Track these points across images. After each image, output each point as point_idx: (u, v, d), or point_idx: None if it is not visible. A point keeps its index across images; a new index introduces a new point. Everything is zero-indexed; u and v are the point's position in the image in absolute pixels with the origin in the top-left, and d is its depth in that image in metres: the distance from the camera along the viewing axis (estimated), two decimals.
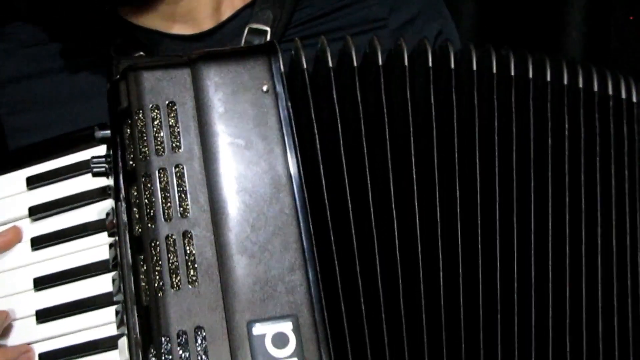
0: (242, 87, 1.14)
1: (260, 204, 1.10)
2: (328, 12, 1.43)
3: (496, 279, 1.14)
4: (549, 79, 1.20)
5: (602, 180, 1.20)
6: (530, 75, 1.19)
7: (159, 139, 1.12)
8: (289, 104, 1.12)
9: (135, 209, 1.11)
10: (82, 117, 1.40)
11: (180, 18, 1.42)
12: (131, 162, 1.12)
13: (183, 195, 1.10)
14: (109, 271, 1.26)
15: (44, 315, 1.28)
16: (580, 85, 1.21)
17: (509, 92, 1.17)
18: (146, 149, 1.12)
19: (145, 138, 1.12)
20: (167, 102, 1.13)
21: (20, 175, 1.33)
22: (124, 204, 1.14)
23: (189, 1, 1.40)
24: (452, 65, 1.17)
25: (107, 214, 1.23)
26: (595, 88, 1.21)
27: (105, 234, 1.28)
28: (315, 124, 1.12)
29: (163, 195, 1.10)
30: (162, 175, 1.11)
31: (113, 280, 1.20)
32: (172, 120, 1.12)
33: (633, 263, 1.21)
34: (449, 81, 1.17)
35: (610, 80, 1.23)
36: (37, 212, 1.31)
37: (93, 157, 1.22)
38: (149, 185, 1.10)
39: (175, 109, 1.13)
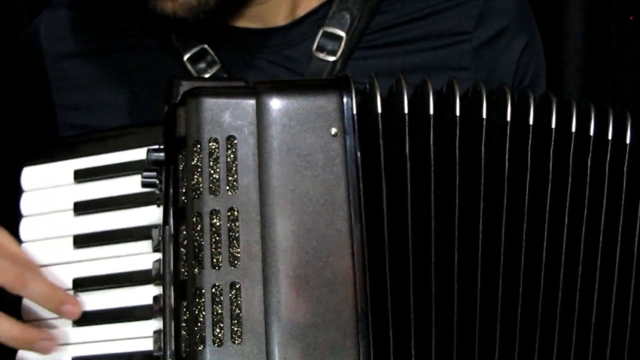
0: (309, 126, 1.05)
1: (316, 261, 1.03)
2: (409, 20, 1.32)
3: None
4: (610, 136, 1.10)
5: None
6: (610, 137, 1.10)
7: (214, 176, 1.04)
8: (358, 154, 1.03)
9: (182, 250, 1.04)
10: (135, 105, 1.32)
11: (256, 17, 1.32)
12: (183, 198, 1.05)
13: (235, 242, 1.04)
14: (150, 282, 1.20)
15: (81, 320, 1.22)
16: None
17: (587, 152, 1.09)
18: (200, 185, 1.04)
19: (199, 173, 1.04)
20: (227, 136, 1.04)
21: (68, 166, 1.26)
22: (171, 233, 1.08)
23: (268, 3, 1.30)
24: (531, 122, 1.07)
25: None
26: None
27: (148, 242, 1.22)
28: (384, 179, 1.04)
29: (213, 239, 1.03)
30: (214, 217, 1.04)
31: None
32: (231, 157, 1.05)
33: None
34: (525, 136, 1.08)
35: None
36: (82, 208, 1.25)
37: (144, 172, 1.15)
38: (199, 227, 1.03)
39: (235, 144, 1.05)
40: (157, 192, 1.20)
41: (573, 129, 1.09)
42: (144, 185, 1.16)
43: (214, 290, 1.02)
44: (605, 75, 1.92)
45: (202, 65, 1.29)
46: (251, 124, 1.05)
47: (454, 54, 1.32)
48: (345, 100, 1.06)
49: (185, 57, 1.29)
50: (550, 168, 1.08)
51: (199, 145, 1.04)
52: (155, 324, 1.20)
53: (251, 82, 1.09)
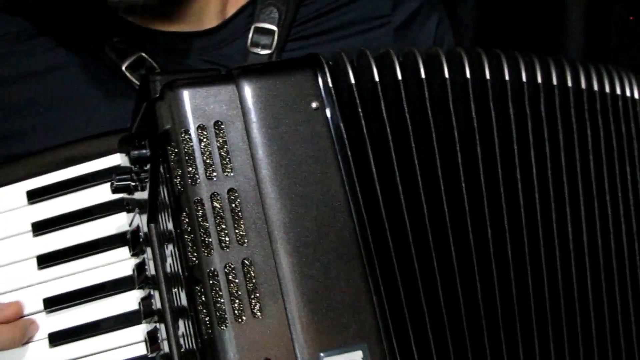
0: (290, 104, 1.09)
1: (319, 227, 1.07)
2: (332, 9, 1.39)
3: (526, 279, 1.15)
4: (540, 80, 1.19)
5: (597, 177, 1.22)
6: (524, 79, 1.19)
7: (207, 161, 1.07)
8: (341, 122, 1.08)
9: (187, 237, 1.05)
10: (76, 122, 1.32)
11: (186, 18, 1.34)
12: (180, 187, 1.06)
13: (239, 221, 1.06)
14: (125, 290, 1.21)
15: (58, 338, 1.21)
16: (577, 85, 1.21)
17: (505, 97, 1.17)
18: (196, 172, 1.06)
19: (192, 161, 1.06)
20: (214, 122, 1.07)
21: (20, 188, 1.25)
22: (168, 229, 1.09)
23: (198, 3, 1.34)
24: (469, 75, 1.16)
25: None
26: (584, 86, 1.22)
27: (117, 250, 1.22)
28: (368, 143, 1.09)
29: (217, 221, 1.05)
30: (215, 200, 1.06)
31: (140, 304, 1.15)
32: (221, 141, 1.07)
33: (631, 261, 1.23)
34: (485, 91, 1.16)
35: (607, 77, 1.25)
36: (41, 228, 1.24)
37: (116, 174, 1.15)
38: (201, 211, 1.05)
39: (223, 129, 1.07)
40: (126, 196, 1.20)
41: (524, 79, 1.18)
42: (115, 190, 1.17)
43: (226, 269, 1.04)
44: None
45: (142, 71, 1.31)
46: (234, 107, 1.08)
47: (377, 37, 1.39)
48: (319, 75, 1.10)
49: (124, 66, 1.30)
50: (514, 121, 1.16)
51: (188, 135, 1.06)
52: (140, 328, 1.20)
53: (223, 70, 1.11)
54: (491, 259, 1.12)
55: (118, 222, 1.24)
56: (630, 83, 1.24)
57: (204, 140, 1.07)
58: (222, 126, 1.07)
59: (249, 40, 1.34)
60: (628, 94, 1.24)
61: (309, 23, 1.38)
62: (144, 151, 1.10)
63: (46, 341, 1.22)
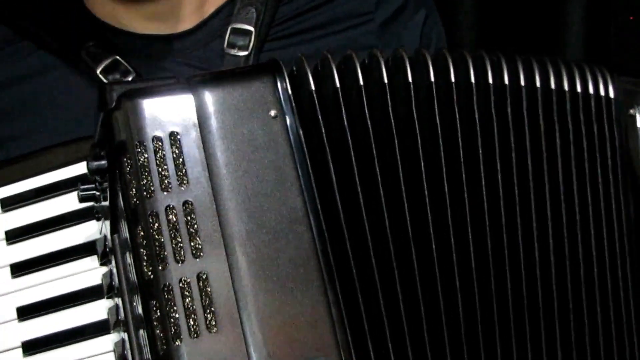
0: (248, 112, 1.07)
1: (277, 239, 1.05)
2: (313, 7, 1.36)
3: (506, 274, 1.13)
4: (522, 82, 1.15)
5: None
6: (490, 81, 1.14)
7: (163, 173, 1.05)
8: (300, 131, 1.06)
9: (142, 250, 1.04)
10: (49, 128, 1.31)
11: (163, 16, 1.32)
12: (135, 200, 1.05)
13: (194, 234, 1.04)
14: (98, 298, 1.20)
15: (32, 347, 1.21)
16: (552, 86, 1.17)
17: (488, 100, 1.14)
18: (151, 184, 1.04)
19: (148, 173, 1.05)
20: (169, 132, 1.05)
21: None
22: (123, 240, 1.07)
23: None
24: (433, 79, 1.12)
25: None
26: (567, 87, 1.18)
27: (90, 258, 1.21)
28: (328, 151, 1.06)
29: (173, 234, 1.04)
30: (170, 213, 1.04)
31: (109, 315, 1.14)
32: (176, 152, 1.05)
33: (600, 263, 1.19)
34: (450, 94, 1.13)
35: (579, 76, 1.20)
36: (15, 236, 1.23)
37: (81, 184, 1.14)
38: (156, 225, 1.04)
39: (179, 140, 1.05)
40: (95, 204, 1.19)
41: (490, 81, 1.14)
42: (82, 199, 1.16)
43: (181, 284, 1.02)
44: None
45: (117, 75, 1.30)
46: (191, 117, 1.06)
47: (359, 35, 1.36)
48: (278, 82, 1.08)
49: (98, 70, 1.29)
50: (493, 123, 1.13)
51: (143, 146, 1.05)
52: (110, 338, 1.19)
53: (182, 78, 1.09)
54: (454, 269, 1.09)
55: (91, 230, 1.23)
56: (605, 82, 1.19)
57: (160, 151, 1.05)
58: (178, 137, 1.06)
59: (226, 41, 1.32)
60: (602, 93, 1.19)
61: (289, 22, 1.35)
62: (103, 162, 1.09)
63: (19, 350, 1.21)
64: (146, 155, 1.05)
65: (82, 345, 1.21)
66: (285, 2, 1.35)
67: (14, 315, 1.22)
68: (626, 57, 1.81)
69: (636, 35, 1.81)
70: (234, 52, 1.32)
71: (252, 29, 1.32)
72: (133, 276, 1.08)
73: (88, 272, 1.22)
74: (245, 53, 1.32)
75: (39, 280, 1.23)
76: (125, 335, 1.13)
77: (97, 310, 1.21)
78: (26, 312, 1.22)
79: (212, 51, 1.33)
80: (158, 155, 1.05)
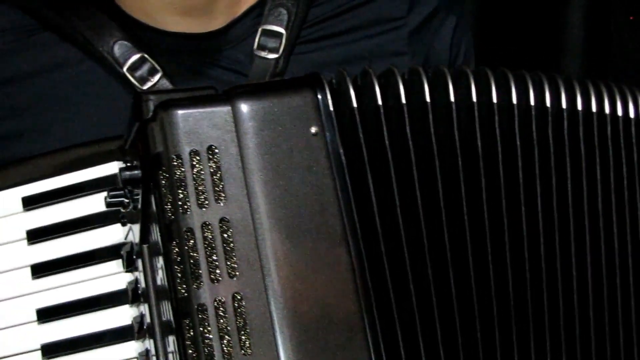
0: (288, 128, 1.04)
1: (314, 261, 1.02)
2: (344, 11, 1.32)
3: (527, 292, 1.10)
4: (548, 104, 1.13)
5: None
6: (532, 102, 1.12)
7: (200, 188, 1.02)
8: (341, 150, 1.03)
9: (176, 267, 1.01)
10: (76, 123, 1.28)
11: (196, 11, 1.28)
12: (170, 215, 1.02)
13: (230, 252, 1.02)
14: (121, 304, 1.18)
15: (51, 351, 1.19)
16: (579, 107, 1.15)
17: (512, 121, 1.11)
18: (187, 200, 1.02)
19: (184, 188, 1.02)
20: (207, 147, 1.02)
21: (16, 194, 1.21)
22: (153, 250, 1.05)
23: None
24: (475, 99, 1.10)
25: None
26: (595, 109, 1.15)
27: (113, 262, 1.18)
28: (369, 172, 1.04)
29: (208, 253, 1.01)
30: (206, 230, 1.01)
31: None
32: (214, 167, 1.03)
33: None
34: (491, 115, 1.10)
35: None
36: (36, 236, 1.20)
37: (109, 190, 1.11)
38: (191, 241, 1.01)
39: (217, 154, 1.03)
40: (122, 210, 1.16)
41: (532, 103, 1.11)
42: (109, 205, 1.13)
43: (216, 304, 1.00)
44: (605, 75, 1.93)
45: (143, 73, 1.27)
46: (229, 131, 1.03)
47: (390, 41, 1.33)
48: (320, 97, 1.05)
49: (125, 67, 1.26)
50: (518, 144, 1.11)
51: (179, 160, 1.02)
52: (131, 346, 1.17)
53: (220, 89, 1.07)
54: (492, 297, 1.07)
55: (114, 233, 1.20)
56: None
57: (197, 165, 1.03)
58: (216, 151, 1.03)
59: (256, 43, 1.29)
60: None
61: (321, 24, 1.32)
62: (136, 172, 1.06)
63: (39, 353, 1.19)
64: (183, 170, 1.02)
65: (102, 351, 1.18)
66: (317, 4, 1.32)
67: (34, 317, 1.19)
68: (626, 57, 1.81)
69: (636, 35, 1.81)
70: (263, 54, 1.29)
71: (283, 31, 1.29)
72: (162, 279, 1.05)
73: (110, 276, 1.19)
74: (275, 56, 1.29)
75: (59, 283, 1.20)
76: (149, 344, 1.11)
77: (119, 317, 1.18)
78: (46, 315, 1.19)
79: (242, 52, 1.30)
80: (195, 170, 1.02)
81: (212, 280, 1.01)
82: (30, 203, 1.21)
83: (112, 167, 1.20)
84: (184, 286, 1.01)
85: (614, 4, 1.85)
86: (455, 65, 1.38)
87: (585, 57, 1.87)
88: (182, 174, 1.02)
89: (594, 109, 1.13)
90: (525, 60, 1.77)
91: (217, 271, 1.01)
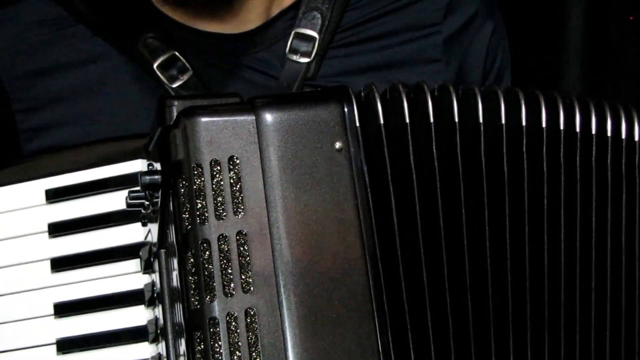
0: (313, 142, 1.02)
1: (331, 280, 1.00)
2: (379, 16, 1.29)
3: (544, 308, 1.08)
4: (577, 129, 1.09)
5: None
6: (562, 127, 1.08)
7: (218, 199, 1.00)
8: (365, 167, 1.01)
9: (190, 278, 1.00)
10: (104, 117, 1.27)
11: (229, 16, 1.26)
12: (187, 224, 1.00)
13: (246, 267, 1.00)
14: (138, 304, 1.17)
15: (67, 346, 1.18)
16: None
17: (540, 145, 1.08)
18: (205, 210, 1.00)
19: (202, 198, 1.00)
20: (228, 157, 1.00)
21: (39, 186, 1.20)
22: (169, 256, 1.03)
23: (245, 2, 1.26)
24: (504, 121, 1.07)
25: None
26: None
27: (132, 261, 1.17)
28: (392, 192, 1.01)
29: (223, 265, 1.00)
30: (222, 242, 1.00)
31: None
32: (234, 178, 1.01)
33: None
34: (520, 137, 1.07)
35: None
36: (58, 230, 1.19)
37: (130, 191, 1.10)
38: (207, 253, 0.99)
39: (238, 165, 1.01)
40: (143, 210, 1.15)
41: (562, 127, 1.08)
42: (129, 206, 1.12)
43: (228, 318, 0.99)
44: (605, 75, 1.92)
45: (173, 72, 1.25)
46: (252, 142, 1.01)
47: (425, 47, 1.30)
48: (347, 110, 1.02)
49: (155, 65, 1.24)
50: (545, 167, 1.08)
51: (200, 169, 1.00)
52: (146, 348, 1.16)
53: (245, 97, 1.04)
54: (509, 327, 1.04)
55: (135, 232, 1.19)
56: None
57: (217, 176, 1.01)
58: (237, 162, 1.01)
59: (288, 47, 1.26)
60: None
61: (354, 29, 1.29)
62: (156, 177, 1.04)
63: (54, 347, 1.18)
64: (202, 179, 1.00)
65: (117, 350, 1.18)
66: (351, 8, 1.29)
67: (51, 310, 1.19)
68: (626, 57, 1.79)
69: (636, 35, 1.79)
70: (295, 57, 1.27)
71: (316, 35, 1.26)
72: (177, 286, 1.04)
73: (129, 275, 1.18)
74: (307, 60, 1.26)
75: (78, 278, 1.20)
76: (162, 348, 1.10)
77: (134, 317, 1.17)
78: (63, 309, 1.19)
79: (274, 54, 1.27)
80: (215, 181, 1.01)
81: (225, 294, 0.99)
82: (54, 196, 1.20)
83: (136, 165, 1.18)
84: (197, 298, 1.00)
85: (614, 4, 1.84)
86: (491, 71, 1.35)
87: (585, 57, 1.86)
88: (201, 183, 1.00)
89: (623, 135, 1.10)
90: (525, 61, 1.74)
91: (232, 285, 1.00)
